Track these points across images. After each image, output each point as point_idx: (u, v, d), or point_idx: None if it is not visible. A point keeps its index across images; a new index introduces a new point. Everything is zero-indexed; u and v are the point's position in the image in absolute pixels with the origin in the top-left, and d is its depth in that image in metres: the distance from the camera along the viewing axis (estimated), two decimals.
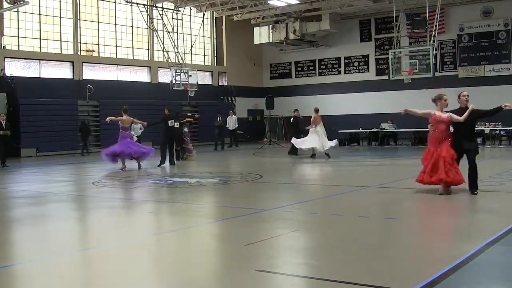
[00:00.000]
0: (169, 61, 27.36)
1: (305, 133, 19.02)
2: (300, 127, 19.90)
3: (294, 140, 18.86)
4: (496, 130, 23.69)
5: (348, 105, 31.55)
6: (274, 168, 16.68)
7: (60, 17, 25.47)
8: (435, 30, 23.58)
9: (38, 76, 24.48)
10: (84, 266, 5.39)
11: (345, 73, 32.53)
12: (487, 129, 23.60)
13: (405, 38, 28.14)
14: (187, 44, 29.51)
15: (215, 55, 33.32)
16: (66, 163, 18.94)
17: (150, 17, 27.49)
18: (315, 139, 18.13)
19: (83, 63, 26.10)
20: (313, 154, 18.37)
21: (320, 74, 33.40)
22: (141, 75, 28.93)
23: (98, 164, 18.27)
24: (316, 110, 18.68)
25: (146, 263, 5.29)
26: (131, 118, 15.83)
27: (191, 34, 31.04)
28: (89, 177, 14.43)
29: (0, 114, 17.47)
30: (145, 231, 7.09)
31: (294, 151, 19.41)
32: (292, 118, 20.25)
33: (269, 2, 27.33)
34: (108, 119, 15.75)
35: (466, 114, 8.95)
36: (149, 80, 29.12)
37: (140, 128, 21.73)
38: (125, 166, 15.44)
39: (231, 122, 26.24)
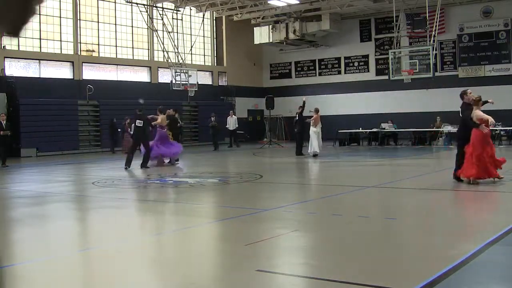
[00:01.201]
0: (169, 61, 27.36)
1: (307, 126, 19.12)
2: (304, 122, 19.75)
3: (310, 150, 18.80)
4: (496, 130, 23.67)
5: (348, 105, 31.56)
6: (274, 168, 16.68)
7: (60, 17, 25.47)
8: (435, 30, 23.58)
9: (38, 76, 24.49)
10: (84, 266, 5.39)
11: (345, 73, 32.53)
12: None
13: (405, 38, 28.14)
14: (187, 44, 29.51)
15: (215, 55, 33.32)
16: (66, 163, 18.94)
17: (150, 17, 27.49)
18: (316, 140, 18.53)
19: (83, 63, 26.10)
20: (315, 154, 18.60)
21: (320, 74, 33.40)
22: (141, 75, 28.93)
23: (98, 164, 18.28)
24: (317, 110, 18.88)
25: (146, 263, 5.29)
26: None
27: (191, 34, 31.04)
28: (89, 177, 14.43)
29: (0, 114, 17.47)
30: (145, 231, 7.09)
31: (300, 151, 19.39)
32: (297, 115, 19.95)
33: (269, 2, 27.34)
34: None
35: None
36: (149, 80, 29.13)
37: None
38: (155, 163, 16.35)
39: (231, 122, 26.21)
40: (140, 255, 5.65)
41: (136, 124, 16.12)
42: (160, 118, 16.40)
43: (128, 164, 15.39)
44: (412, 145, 24.48)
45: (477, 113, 9.67)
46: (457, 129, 11.92)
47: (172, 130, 17.61)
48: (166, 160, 16.90)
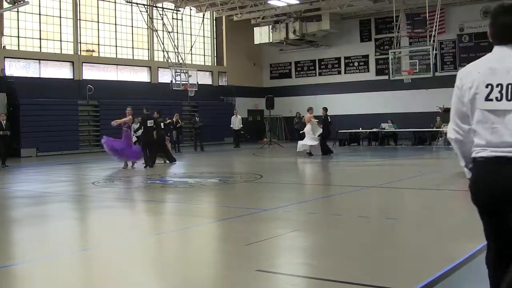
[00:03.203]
0: (169, 61, 27.36)
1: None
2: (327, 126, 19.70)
3: (311, 142, 18.68)
4: None
5: (348, 105, 31.53)
6: (274, 168, 16.67)
7: (60, 17, 25.47)
8: (435, 30, 23.58)
9: (38, 76, 24.49)
10: (84, 266, 5.39)
11: (345, 73, 32.53)
12: None
13: (405, 38, 28.14)
14: (187, 44, 29.51)
15: (215, 55, 33.33)
16: (66, 163, 18.93)
17: (150, 17, 27.49)
18: (310, 138, 18.65)
19: (83, 63, 26.10)
20: (309, 153, 18.69)
21: (320, 74, 33.39)
22: (141, 75, 28.94)
23: (98, 164, 18.27)
24: (310, 109, 19.15)
25: (146, 263, 5.29)
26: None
27: (191, 34, 31.04)
28: (89, 177, 14.43)
29: (0, 114, 17.48)
30: (145, 231, 7.09)
31: (327, 150, 19.20)
32: (324, 117, 19.81)
33: (269, 2, 27.34)
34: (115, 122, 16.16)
35: None
36: (149, 80, 29.13)
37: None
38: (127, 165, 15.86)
39: (236, 122, 26.27)
40: (140, 255, 5.65)
41: (148, 125, 16.27)
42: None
43: (147, 162, 15.60)
44: (412, 145, 24.48)
45: None
46: None
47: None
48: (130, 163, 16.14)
